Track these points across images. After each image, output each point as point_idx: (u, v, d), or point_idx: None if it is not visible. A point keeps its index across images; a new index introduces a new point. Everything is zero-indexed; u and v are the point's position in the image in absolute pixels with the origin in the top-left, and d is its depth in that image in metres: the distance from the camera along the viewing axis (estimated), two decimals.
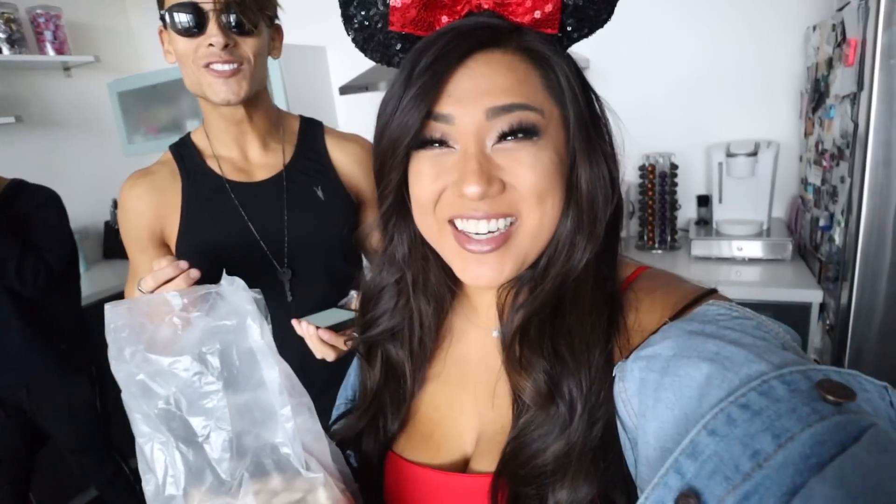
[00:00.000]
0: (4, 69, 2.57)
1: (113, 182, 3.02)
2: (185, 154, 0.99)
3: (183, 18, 0.79)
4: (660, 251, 1.99)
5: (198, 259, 0.85)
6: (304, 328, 0.74)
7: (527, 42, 0.43)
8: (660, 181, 1.94)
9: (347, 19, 0.48)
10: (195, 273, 0.75)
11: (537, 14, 0.42)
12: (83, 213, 2.76)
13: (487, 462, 0.48)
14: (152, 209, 0.96)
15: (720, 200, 1.92)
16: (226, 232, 0.94)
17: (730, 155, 1.84)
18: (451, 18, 0.45)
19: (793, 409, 0.29)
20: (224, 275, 0.44)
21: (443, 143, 0.43)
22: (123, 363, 0.38)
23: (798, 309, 1.56)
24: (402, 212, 0.50)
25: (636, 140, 2.28)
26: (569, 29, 0.45)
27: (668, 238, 1.98)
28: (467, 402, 0.52)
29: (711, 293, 0.43)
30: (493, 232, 0.43)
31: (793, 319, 1.50)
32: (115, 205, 2.94)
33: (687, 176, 2.04)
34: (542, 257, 0.46)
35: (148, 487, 0.40)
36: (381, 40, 0.49)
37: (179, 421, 0.39)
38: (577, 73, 0.45)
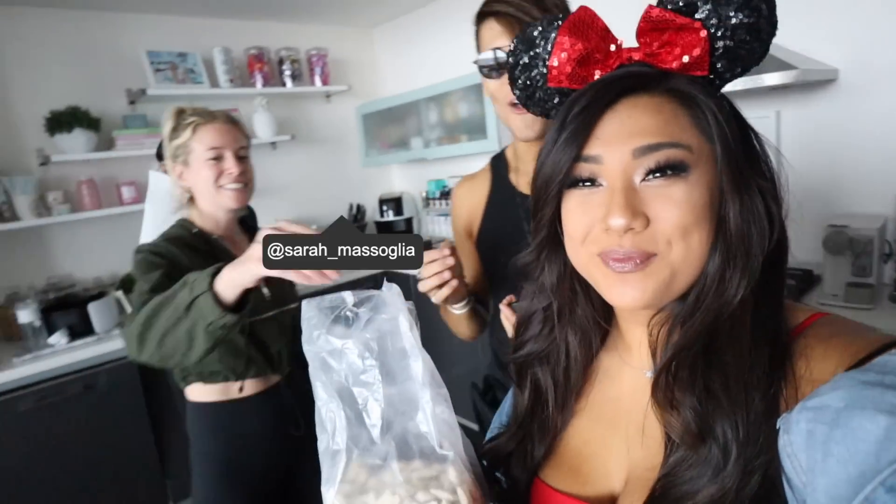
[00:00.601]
0: (287, 98, 3.29)
1: (351, 188, 3.63)
2: (498, 165, 1.19)
3: (487, 65, 0.97)
4: None
5: (486, 255, 1.08)
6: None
7: (673, 84, 0.44)
8: None
9: (513, 81, 0.54)
10: (450, 261, 0.93)
11: (686, 59, 0.43)
12: (327, 213, 3.36)
13: (635, 501, 0.47)
14: (465, 208, 1.17)
15: None
16: (507, 237, 1.10)
17: None
18: (604, 72, 0.47)
19: None
20: (385, 282, 0.55)
21: (592, 181, 0.45)
22: (311, 343, 0.51)
23: None
24: (554, 244, 0.52)
25: (895, 166, 1.84)
26: (719, 69, 0.45)
27: None
28: (618, 440, 0.52)
29: None
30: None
31: None
32: (351, 207, 3.50)
33: None
34: (691, 291, 0.45)
35: (321, 445, 0.50)
36: (541, 96, 0.53)
37: (347, 391, 0.51)
38: (729, 111, 0.45)
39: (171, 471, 2.38)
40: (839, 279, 1.66)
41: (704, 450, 0.42)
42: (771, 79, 1.58)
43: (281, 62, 3.18)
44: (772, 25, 0.42)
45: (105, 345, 2.18)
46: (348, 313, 0.51)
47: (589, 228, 0.45)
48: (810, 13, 1.84)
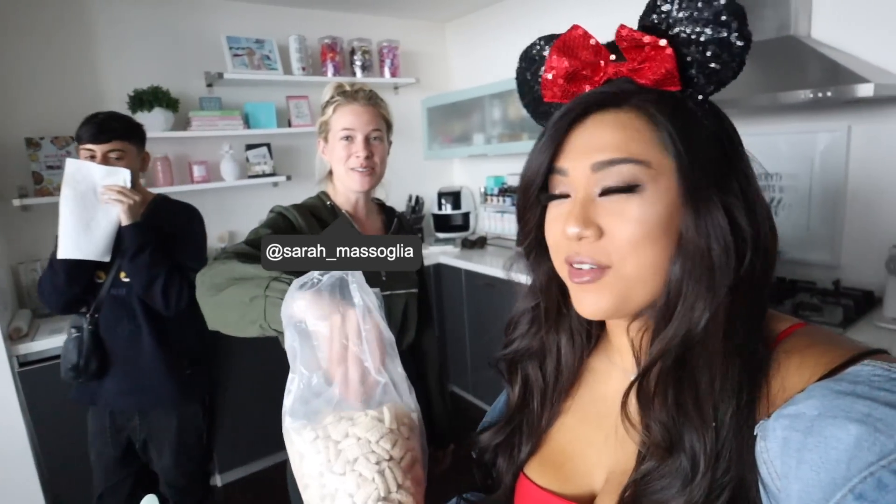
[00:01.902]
0: None
1: (411, 179, 3.65)
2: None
3: None
4: None
5: None
6: None
7: (642, 101, 0.45)
8: None
9: (522, 96, 0.59)
10: None
11: (658, 75, 0.45)
12: (395, 200, 3.38)
13: (611, 501, 0.49)
14: None
15: None
16: None
17: None
18: (592, 87, 0.49)
19: None
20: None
21: (564, 195, 0.49)
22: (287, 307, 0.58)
23: None
24: (540, 248, 0.55)
25: None
26: (697, 83, 0.45)
27: None
28: (601, 440, 0.54)
29: (872, 353, 0.40)
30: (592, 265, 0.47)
31: None
32: (409, 199, 3.52)
33: None
34: (658, 300, 0.46)
35: (291, 386, 0.56)
36: (544, 110, 0.57)
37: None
38: (710, 126, 0.45)
39: (218, 444, 2.44)
40: None
41: (673, 462, 0.43)
42: (844, 92, 1.49)
43: (353, 52, 3.24)
44: (744, 39, 0.42)
45: None
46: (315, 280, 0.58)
47: (558, 237, 0.49)
48: (889, 26, 1.73)
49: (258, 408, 2.54)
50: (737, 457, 0.40)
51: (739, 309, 0.43)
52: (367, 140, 1.23)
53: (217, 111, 2.76)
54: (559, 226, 0.48)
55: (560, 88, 0.51)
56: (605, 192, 0.45)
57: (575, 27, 0.50)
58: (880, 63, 1.76)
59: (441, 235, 3.51)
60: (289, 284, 0.86)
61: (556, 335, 0.58)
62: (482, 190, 3.38)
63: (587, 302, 0.47)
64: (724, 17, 0.42)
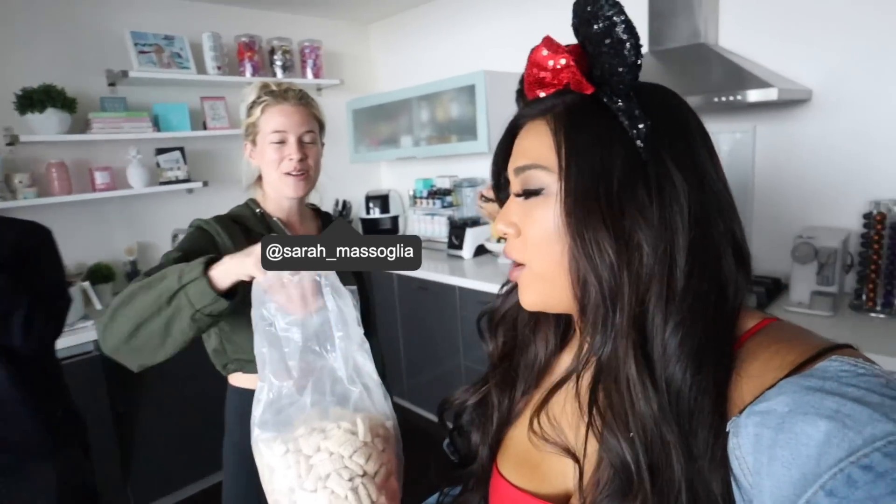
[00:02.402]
0: None
1: (338, 183, 3.55)
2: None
3: None
4: (882, 315, 1.62)
5: None
6: None
7: (549, 107, 0.48)
8: (890, 233, 1.58)
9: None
10: None
11: (572, 81, 0.47)
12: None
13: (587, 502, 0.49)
14: None
15: None
16: None
17: None
18: (548, 92, 0.51)
19: None
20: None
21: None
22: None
23: None
24: None
25: (862, 184, 1.96)
26: (609, 83, 0.45)
27: (895, 301, 1.59)
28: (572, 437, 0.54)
29: (839, 348, 0.40)
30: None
31: None
32: (336, 203, 3.43)
33: None
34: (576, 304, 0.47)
35: (261, 395, 0.55)
36: None
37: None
38: (590, 131, 0.45)
39: (133, 476, 2.28)
40: (805, 288, 1.77)
41: (601, 472, 0.44)
42: (750, 95, 1.66)
43: (272, 52, 3.11)
44: (629, 32, 0.43)
45: (68, 338, 2.06)
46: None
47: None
48: (788, 36, 1.92)
49: (175, 431, 2.36)
50: (713, 459, 0.40)
51: (660, 327, 0.42)
52: (300, 142, 1.16)
53: (122, 112, 2.54)
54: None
55: (530, 96, 0.53)
56: (519, 194, 0.49)
57: (546, 38, 0.50)
58: (782, 71, 1.91)
59: None
60: (203, 265, 0.86)
61: (531, 329, 0.59)
62: (411, 193, 3.36)
63: (520, 295, 0.51)
64: (607, 12, 0.44)
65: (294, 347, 0.55)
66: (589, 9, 0.44)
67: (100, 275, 2.51)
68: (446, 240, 3.01)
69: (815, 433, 0.33)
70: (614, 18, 0.43)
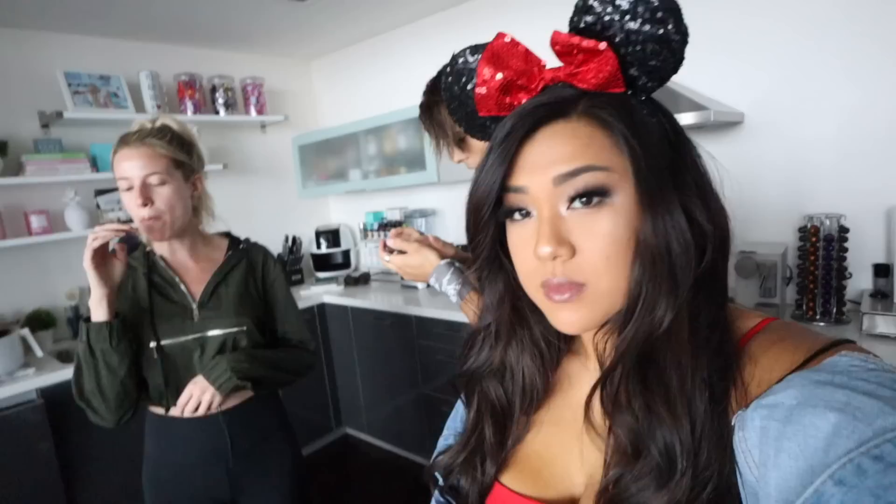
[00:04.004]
0: (220, 127, 3.18)
1: (287, 219, 3.52)
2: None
3: None
4: (822, 323, 1.75)
5: None
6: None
7: (590, 106, 0.44)
8: (824, 245, 1.73)
9: (452, 112, 0.56)
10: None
11: (600, 78, 0.44)
12: (263, 243, 3.22)
13: None
14: None
15: None
16: None
17: None
18: (529, 96, 0.48)
19: None
20: None
21: (526, 212, 0.47)
22: None
23: None
24: (494, 267, 0.54)
25: (796, 199, 2.12)
26: (640, 83, 0.45)
27: (834, 310, 1.74)
28: (578, 444, 0.52)
29: (844, 343, 0.40)
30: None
31: None
32: (286, 239, 3.39)
33: (861, 241, 1.80)
34: (623, 307, 0.46)
35: None
36: (480, 123, 0.55)
37: None
38: (659, 123, 0.45)
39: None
40: (749, 300, 1.86)
41: (643, 463, 0.42)
42: (685, 118, 1.74)
43: (214, 90, 3.08)
44: (681, 34, 0.42)
45: (9, 388, 1.93)
46: None
47: (529, 261, 0.47)
48: (721, 62, 2.05)
49: (123, 480, 2.22)
50: (716, 450, 0.40)
51: (702, 303, 0.43)
52: (144, 186, 1.12)
53: (57, 154, 2.44)
54: (529, 248, 0.46)
55: (495, 102, 0.49)
56: (573, 201, 0.44)
57: (500, 35, 0.48)
58: (715, 96, 2.04)
59: (322, 275, 3.42)
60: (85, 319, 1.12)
61: (516, 351, 0.56)
62: (361, 226, 3.38)
63: (564, 319, 0.46)
64: (660, 14, 0.42)
65: None
66: (640, 9, 0.42)
67: (39, 321, 2.37)
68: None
69: (824, 425, 0.33)
70: (669, 20, 0.42)
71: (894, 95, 1.75)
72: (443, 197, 3.10)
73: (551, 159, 0.44)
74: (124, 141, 1.14)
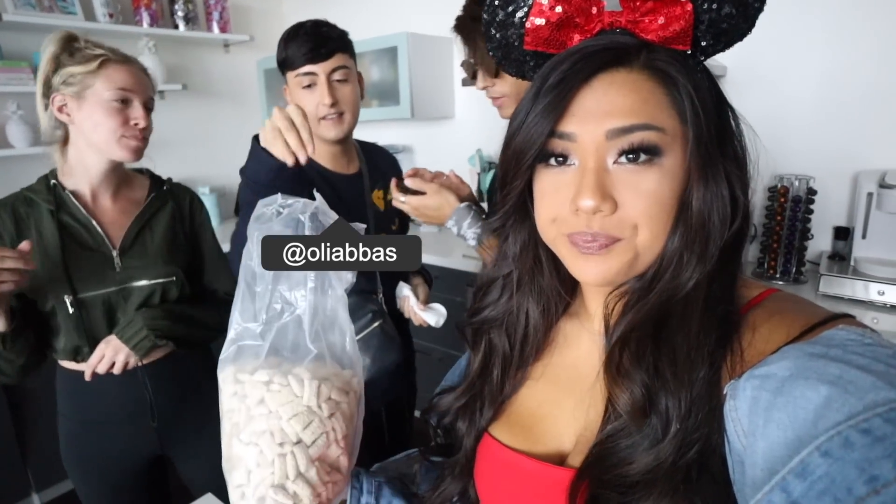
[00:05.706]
0: (179, 43, 2.95)
1: (247, 150, 3.34)
2: None
3: None
4: (780, 282, 1.81)
5: None
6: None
7: (653, 60, 0.43)
8: (792, 206, 1.76)
9: (489, 38, 0.52)
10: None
11: (668, 32, 0.42)
12: (224, 173, 3.10)
13: (581, 461, 0.48)
14: None
15: (864, 235, 1.70)
16: None
17: (884, 186, 1.61)
18: (584, 37, 0.45)
19: None
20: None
21: (564, 158, 0.45)
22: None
23: None
24: (521, 215, 0.52)
25: (769, 159, 2.14)
26: (703, 44, 0.44)
27: (793, 269, 1.79)
28: (571, 402, 0.53)
29: (843, 317, 0.40)
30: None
31: None
32: None
33: (825, 204, 1.83)
34: (649, 270, 0.46)
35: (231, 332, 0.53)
36: (517, 57, 0.51)
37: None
38: (709, 89, 0.44)
39: (32, 460, 2.14)
40: None
41: (645, 422, 0.43)
42: None
43: (173, 1, 2.84)
44: (760, 1, 0.41)
45: None
46: (300, 217, 0.53)
47: (559, 209, 0.45)
48: None
49: None
50: (706, 415, 0.40)
51: (720, 272, 0.44)
52: (145, 108, 1.11)
53: None
54: (562, 196, 0.44)
55: (546, 37, 0.46)
56: (622, 156, 0.42)
57: None
58: None
59: None
60: None
61: (527, 302, 0.56)
62: None
63: (588, 269, 0.45)
64: None
65: (265, 289, 0.52)
66: None
67: None
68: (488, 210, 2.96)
69: (815, 397, 0.33)
70: None
71: (871, 62, 1.74)
72: (415, 134, 3.00)
73: (607, 110, 0.42)
74: (124, 57, 1.10)
